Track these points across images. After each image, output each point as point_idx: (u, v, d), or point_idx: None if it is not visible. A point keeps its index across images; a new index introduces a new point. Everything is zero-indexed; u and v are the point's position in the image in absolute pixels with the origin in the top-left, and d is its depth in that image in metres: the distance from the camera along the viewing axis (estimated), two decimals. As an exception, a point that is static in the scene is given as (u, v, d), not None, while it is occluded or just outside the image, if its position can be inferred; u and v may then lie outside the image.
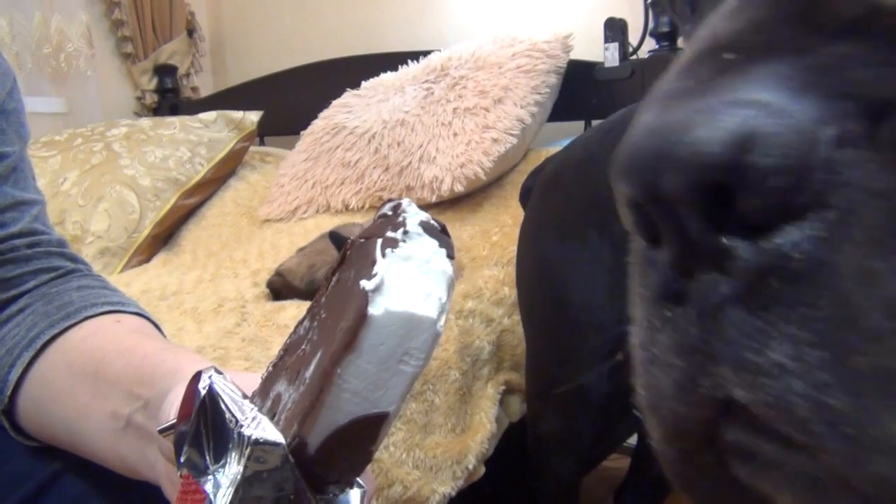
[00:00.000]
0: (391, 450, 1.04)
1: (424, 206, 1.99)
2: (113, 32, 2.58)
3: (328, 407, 0.36)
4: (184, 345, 1.18)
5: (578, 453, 1.23)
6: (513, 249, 1.48)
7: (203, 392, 0.40)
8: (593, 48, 1.81)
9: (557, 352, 1.18)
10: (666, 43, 1.69)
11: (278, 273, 1.51)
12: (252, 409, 0.39)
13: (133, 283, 1.68)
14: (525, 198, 1.31)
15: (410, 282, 0.36)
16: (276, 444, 0.37)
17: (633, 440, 1.50)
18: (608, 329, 1.12)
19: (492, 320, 1.29)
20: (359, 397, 0.36)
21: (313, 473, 0.38)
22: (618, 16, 1.77)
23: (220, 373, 0.42)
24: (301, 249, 1.56)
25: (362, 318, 0.35)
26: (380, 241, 0.37)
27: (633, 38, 1.79)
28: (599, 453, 1.63)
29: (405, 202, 0.40)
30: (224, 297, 1.46)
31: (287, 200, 1.96)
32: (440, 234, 0.39)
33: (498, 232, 1.60)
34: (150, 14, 2.55)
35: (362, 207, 1.85)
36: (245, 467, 0.37)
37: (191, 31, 2.67)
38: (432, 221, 0.39)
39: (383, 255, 0.36)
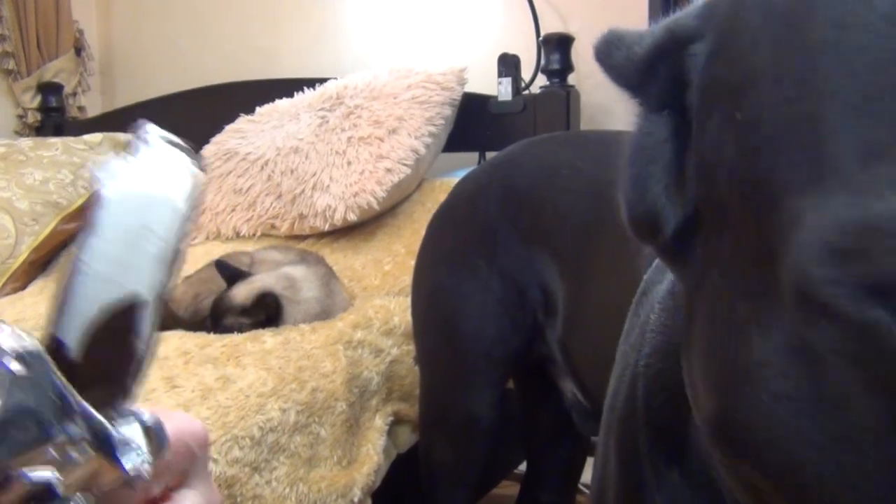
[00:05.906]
0: (273, 485, 1.01)
1: (317, 235, 1.94)
2: (-7, 47, 2.46)
3: (77, 296, 0.36)
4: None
5: (470, 481, 1.24)
6: (404, 279, 1.48)
7: None
8: (487, 82, 1.85)
9: (449, 380, 1.18)
10: (557, 80, 1.75)
11: (162, 302, 1.46)
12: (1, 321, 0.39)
13: (6, 312, 1.59)
14: None
15: (147, 170, 0.38)
16: (29, 350, 0.36)
17: (522, 467, 1.51)
18: (498, 357, 1.13)
19: (381, 351, 1.29)
20: (108, 283, 0.37)
21: (76, 375, 0.37)
22: (511, 52, 1.81)
23: None
24: (187, 278, 1.51)
25: (97, 198, 0.36)
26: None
27: (526, 74, 1.84)
28: (490, 480, 1.64)
29: (148, 125, 0.42)
30: (104, 327, 1.40)
31: (176, 226, 1.90)
32: (181, 145, 0.41)
33: (390, 261, 1.60)
34: (35, 30, 2.44)
35: (254, 235, 1.81)
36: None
37: (79, 50, 2.57)
38: (174, 137, 0.41)
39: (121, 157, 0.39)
